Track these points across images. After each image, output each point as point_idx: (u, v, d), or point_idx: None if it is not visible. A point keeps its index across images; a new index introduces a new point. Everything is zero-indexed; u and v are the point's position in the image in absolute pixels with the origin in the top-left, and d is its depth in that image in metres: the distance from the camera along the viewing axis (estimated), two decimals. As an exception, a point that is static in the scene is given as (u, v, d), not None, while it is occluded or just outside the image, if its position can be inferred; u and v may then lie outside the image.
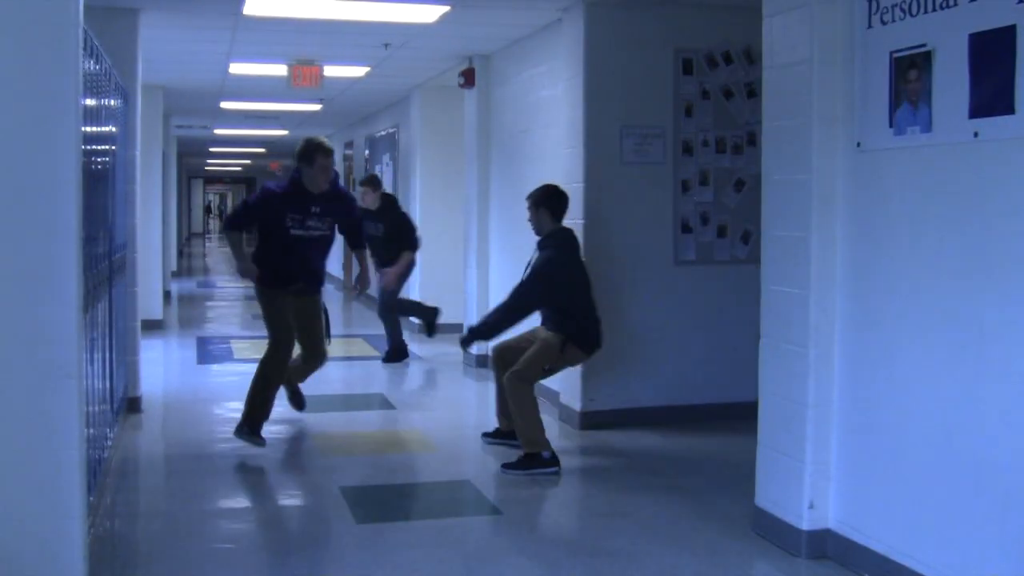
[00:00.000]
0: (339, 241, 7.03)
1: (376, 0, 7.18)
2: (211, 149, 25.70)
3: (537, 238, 6.32)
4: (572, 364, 6.37)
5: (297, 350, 6.71)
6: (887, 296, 4.09)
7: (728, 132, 7.17)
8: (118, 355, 6.37)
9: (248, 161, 32.35)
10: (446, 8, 7.27)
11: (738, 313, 7.04)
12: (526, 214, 6.42)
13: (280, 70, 9.87)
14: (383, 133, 14.45)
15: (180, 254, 23.60)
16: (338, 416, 7.51)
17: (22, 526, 3.57)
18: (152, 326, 11.16)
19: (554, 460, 5.86)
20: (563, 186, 7.15)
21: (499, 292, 9.27)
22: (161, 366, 9.77)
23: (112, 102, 5.81)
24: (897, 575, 3.99)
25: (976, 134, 3.60)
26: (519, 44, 8.62)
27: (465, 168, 9.95)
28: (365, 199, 9.59)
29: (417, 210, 11.80)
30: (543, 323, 6.26)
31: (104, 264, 5.30)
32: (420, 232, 9.99)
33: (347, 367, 10.08)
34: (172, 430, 7.15)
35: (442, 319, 11.61)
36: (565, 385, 7.17)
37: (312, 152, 6.22)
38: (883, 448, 4.11)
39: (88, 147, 4.21)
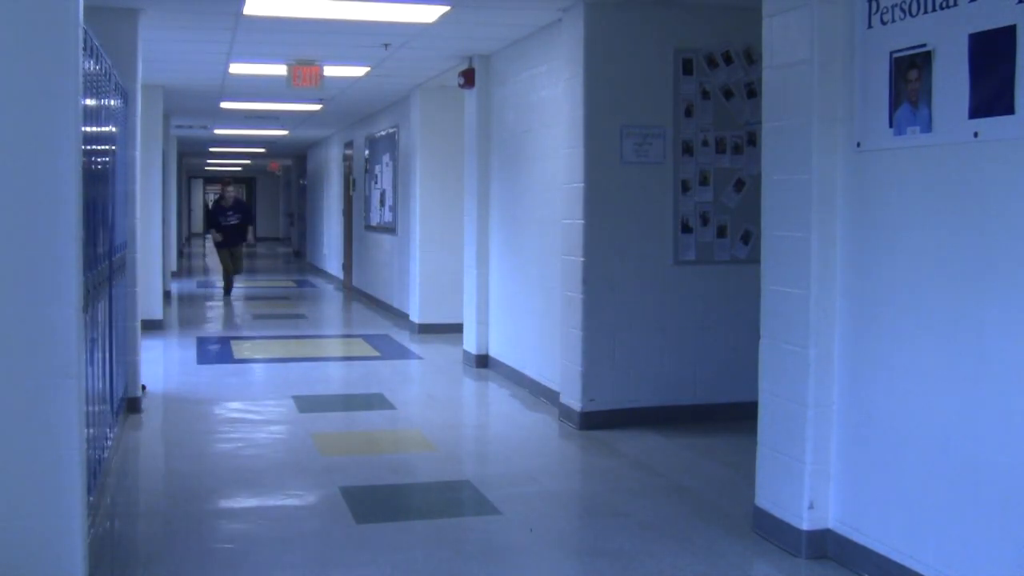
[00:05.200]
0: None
1: (376, 0, 7.18)
2: (211, 149, 25.70)
3: None
4: None
5: None
6: (887, 296, 4.09)
7: (728, 132, 7.17)
8: (118, 355, 6.37)
9: (248, 161, 32.35)
10: (446, 8, 7.27)
11: (738, 313, 7.04)
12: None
13: (280, 70, 9.87)
14: (383, 133, 14.45)
15: (180, 254, 23.59)
16: (338, 416, 7.51)
17: (22, 526, 3.57)
18: (152, 326, 11.16)
19: None
20: (563, 186, 7.18)
21: (499, 292, 9.28)
22: (161, 366, 9.77)
23: (112, 102, 5.81)
24: (897, 575, 3.99)
25: (976, 134, 3.60)
26: (519, 44, 8.62)
27: (465, 168, 9.95)
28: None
29: (417, 210, 11.81)
30: None
31: (104, 264, 5.30)
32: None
33: (347, 367, 10.09)
34: (172, 430, 7.15)
35: (442, 319, 11.65)
36: (565, 385, 7.18)
37: None
38: (883, 448, 4.11)
39: (88, 147, 4.21)
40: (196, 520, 5.01)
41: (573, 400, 7.03)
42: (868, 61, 4.14)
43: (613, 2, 6.87)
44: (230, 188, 17.49)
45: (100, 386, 5.17)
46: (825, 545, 4.41)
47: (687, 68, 7.07)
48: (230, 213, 16.89)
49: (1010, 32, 3.43)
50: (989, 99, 3.53)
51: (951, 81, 3.70)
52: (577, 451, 6.54)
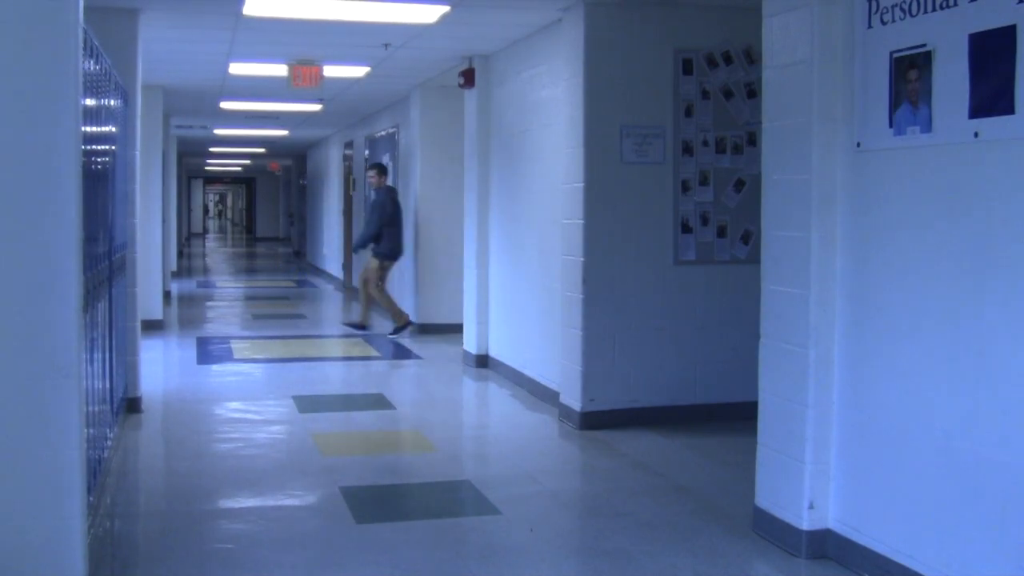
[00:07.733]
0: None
1: (376, 0, 7.18)
2: (211, 149, 25.70)
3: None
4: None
5: None
6: (887, 296, 4.09)
7: (728, 132, 7.17)
8: (118, 355, 6.37)
9: (248, 161, 32.37)
10: (446, 8, 7.27)
11: (738, 313, 7.04)
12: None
13: (280, 70, 9.87)
14: (383, 133, 14.44)
15: (180, 254, 23.60)
16: (338, 416, 7.51)
17: (22, 526, 3.57)
18: (152, 326, 11.16)
19: None
20: (563, 186, 7.19)
21: (499, 291, 9.28)
22: (161, 366, 9.77)
23: (112, 102, 5.81)
24: (897, 575, 3.99)
25: (976, 134, 3.60)
26: (519, 44, 8.62)
27: (465, 168, 9.95)
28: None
29: (417, 210, 11.80)
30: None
31: (104, 264, 5.30)
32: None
33: (347, 367, 10.09)
34: (172, 430, 7.15)
35: (442, 319, 11.65)
36: (565, 385, 7.18)
37: None
38: (883, 448, 4.11)
39: (88, 147, 4.21)
40: (196, 520, 5.01)
41: (573, 400, 7.03)
42: (868, 61, 4.14)
43: (613, 2, 6.87)
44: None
45: (100, 386, 5.17)
46: (825, 545, 4.41)
47: (687, 68, 7.07)
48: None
49: (1010, 32, 3.43)
50: (989, 99, 3.53)
51: (951, 81, 3.70)
52: (577, 451, 6.54)
